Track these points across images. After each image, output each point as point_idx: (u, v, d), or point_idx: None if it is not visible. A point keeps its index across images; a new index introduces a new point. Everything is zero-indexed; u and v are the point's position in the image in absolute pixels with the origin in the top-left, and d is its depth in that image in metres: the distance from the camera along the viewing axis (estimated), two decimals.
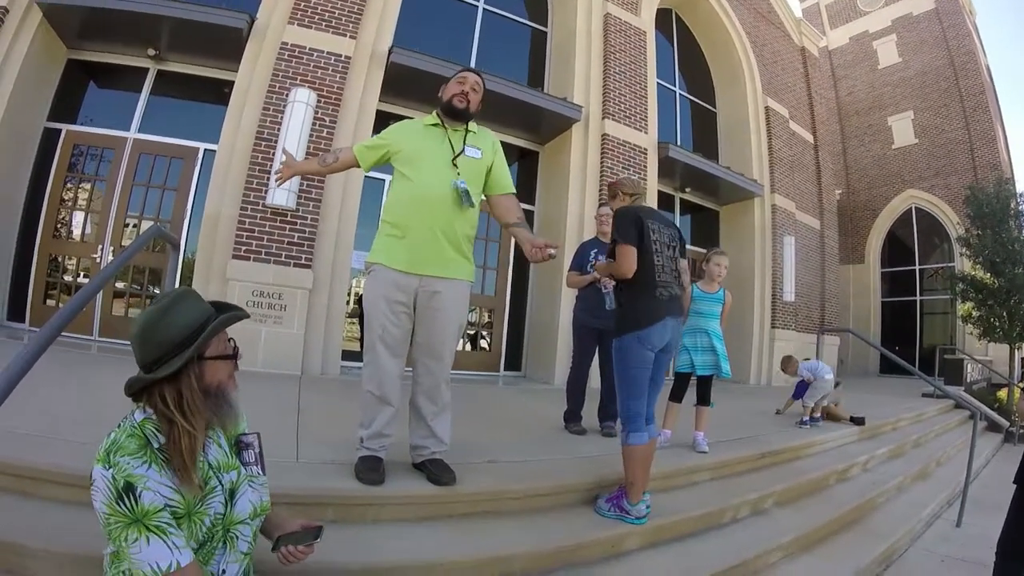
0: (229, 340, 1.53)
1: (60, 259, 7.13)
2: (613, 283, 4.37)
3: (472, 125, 2.92)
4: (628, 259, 2.87)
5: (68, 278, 7.11)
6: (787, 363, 6.32)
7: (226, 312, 1.50)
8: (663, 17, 11.09)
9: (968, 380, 12.16)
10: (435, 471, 2.68)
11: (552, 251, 2.55)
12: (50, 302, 6.90)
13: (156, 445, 1.32)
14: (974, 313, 13.15)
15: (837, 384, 6.38)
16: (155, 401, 1.35)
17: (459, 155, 2.77)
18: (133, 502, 1.21)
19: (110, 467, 1.23)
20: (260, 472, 1.58)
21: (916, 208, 18.31)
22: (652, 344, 2.90)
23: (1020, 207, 13.27)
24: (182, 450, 1.31)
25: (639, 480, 2.85)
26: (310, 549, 1.58)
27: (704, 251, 4.50)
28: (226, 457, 1.51)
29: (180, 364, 1.33)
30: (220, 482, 1.44)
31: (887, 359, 6.94)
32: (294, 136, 6.26)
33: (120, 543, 1.22)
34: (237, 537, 1.46)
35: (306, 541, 1.56)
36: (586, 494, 3.08)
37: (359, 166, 2.91)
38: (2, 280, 6.71)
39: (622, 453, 2.93)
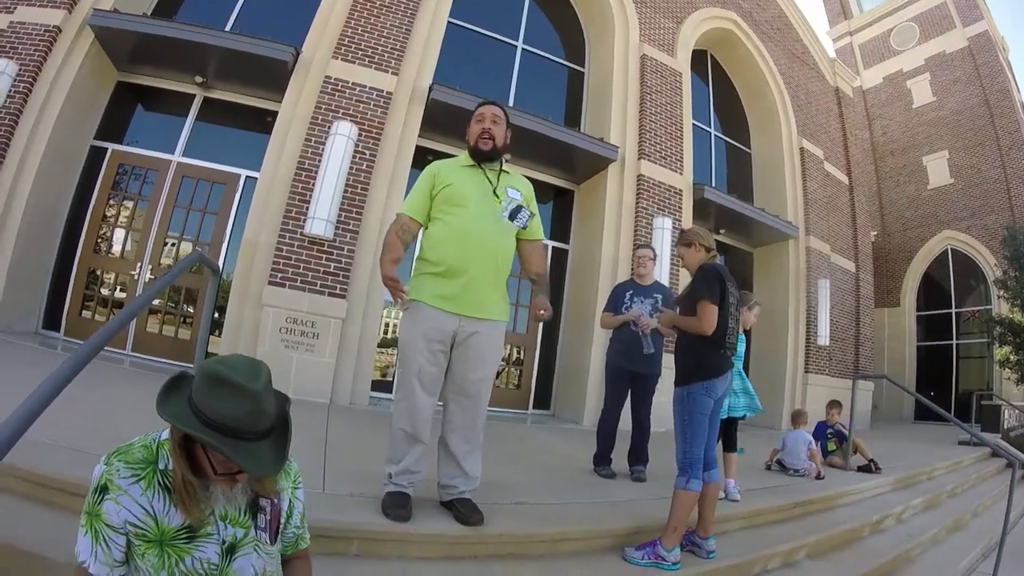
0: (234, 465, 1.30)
1: (99, 273, 7.27)
2: (650, 328, 4.37)
3: (505, 166, 2.95)
4: (712, 318, 2.98)
5: (105, 292, 7.26)
6: (797, 417, 6.20)
7: (281, 438, 1.37)
8: (698, 58, 11.19)
9: (1005, 427, 11.90)
10: (464, 511, 2.66)
11: (541, 314, 2.86)
12: (86, 314, 7.06)
13: (162, 467, 1.30)
14: (1012, 357, 12.95)
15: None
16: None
17: (498, 188, 2.82)
18: (96, 501, 1.24)
19: (106, 464, 1.27)
20: (268, 541, 1.47)
21: (952, 249, 17.96)
22: (716, 393, 3.04)
23: None
24: (176, 483, 1.28)
25: (682, 525, 2.90)
26: None
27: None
28: (237, 513, 1.41)
29: (172, 420, 1.25)
30: (218, 531, 1.36)
31: (922, 405, 6.77)
32: (334, 168, 6.38)
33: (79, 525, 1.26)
34: None
35: None
36: (616, 540, 3.03)
37: (420, 223, 2.83)
38: (41, 289, 6.88)
39: (673, 496, 2.95)
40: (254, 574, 1.42)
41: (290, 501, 1.54)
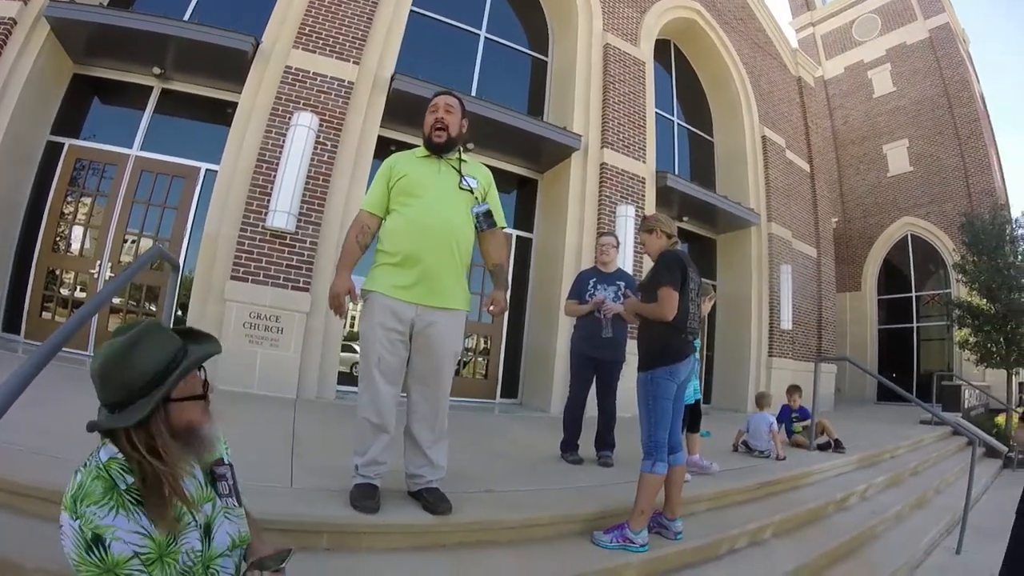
0: (200, 370, 1.41)
1: (58, 273, 7.08)
2: (613, 313, 4.43)
3: (465, 155, 2.97)
4: (673, 304, 3.02)
5: (65, 292, 7.07)
6: (761, 399, 6.35)
7: (196, 343, 1.41)
8: (662, 48, 11.29)
9: (966, 406, 12.26)
10: (431, 500, 2.68)
11: (491, 309, 2.92)
12: (46, 315, 6.87)
13: (123, 486, 1.25)
14: (971, 339, 13.25)
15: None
16: (122, 443, 1.26)
17: (460, 182, 2.83)
18: (103, 553, 1.17)
19: (77, 518, 1.18)
20: (236, 504, 1.52)
21: (912, 235, 18.47)
22: (679, 377, 3.09)
23: (1016, 233, 13.43)
24: (164, 494, 1.25)
25: (649, 508, 2.95)
26: (279, 575, 1.50)
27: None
28: (200, 489, 1.44)
29: (147, 411, 1.24)
30: (194, 517, 1.37)
31: (884, 386, 6.96)
32: (295, 160, 6.31)
33: None
34: (219, 572, 1.41)
35: (275, 566, 1.48)
36: (583, 525, 3.07)
37: (380, 217, 2.84)
38: None
39: (640, 480, 3.00)
40: (232, 542, 1.45)
41: (230, 461, 1.59)
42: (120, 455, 1.28)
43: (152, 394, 1.26)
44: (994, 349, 12.79)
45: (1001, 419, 11.91)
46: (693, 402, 4.49)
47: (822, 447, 6.23)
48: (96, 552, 1.17)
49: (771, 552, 3.49)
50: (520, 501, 3.13)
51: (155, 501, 1.25)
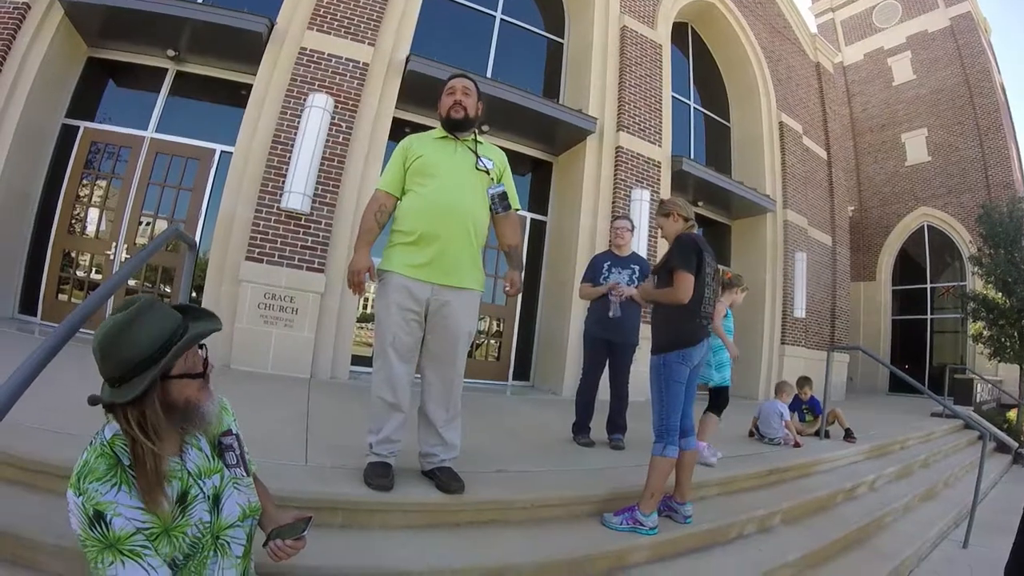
0: (201, 348, 1.42)
1: (74, 255, 7.17)
2: (626, 295, 4.43)
3: (480, 137, 2.96)
4: (688, 287, 2.99)
5: (81, 274, 7.15)
6: (779, 387, 6.32)
7: (196, 321, 1.40)
8: (679, 31, 11.14)
9: (978, 400, 12.20)
10: (444, 479, 2.69)
11: (507, 289, 2.98)
12: (62, 297, 6.95)
13: (127, 462, 1.28)
14: (985, 333, 13.14)
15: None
16: (120, 419, 1.29)
17: (477, 163, 2.82)
18: (105, 528, 1.20)
19: (80, 494, 1.22)
20: (244, 474, 1.53)
21: (928, 226, 18.26)
22: (692, 361, 3.07)
23: None
24: (147, 472, 1.26)
25: (659, 491, 2.96)
26: (300, 543, 1.52)
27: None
28: (207, 461, 1.46)
29: (143, 388, 1.26)
30: (202, 489, 1.40)
31: (896, 377, 6.91)
32: (310, 141, 6.31)
33: (97, 565, 1.21)
34: (229, 543, 1.43)
35: (295, 534, 1.51)
36: (593, 506, 3.09)
37: (397, 197, 2.84)
38: (15, 274, 6.77)
39: (651, 463, 3.00)
40: (242, 512, 1.47)
41: (237, 432, 1.60)
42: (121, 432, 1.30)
43: (150, 370, 1.27)
44: (1008, 343, 12.69)
45: (1013, 414, 11.77)
46: (722, 387, 4.54)
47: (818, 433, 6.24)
48: (98, 528, 1.21)
49: (779, 538, 3.48)
50: (532, 482, 3.14)
51: (144, 484, 1.27)
